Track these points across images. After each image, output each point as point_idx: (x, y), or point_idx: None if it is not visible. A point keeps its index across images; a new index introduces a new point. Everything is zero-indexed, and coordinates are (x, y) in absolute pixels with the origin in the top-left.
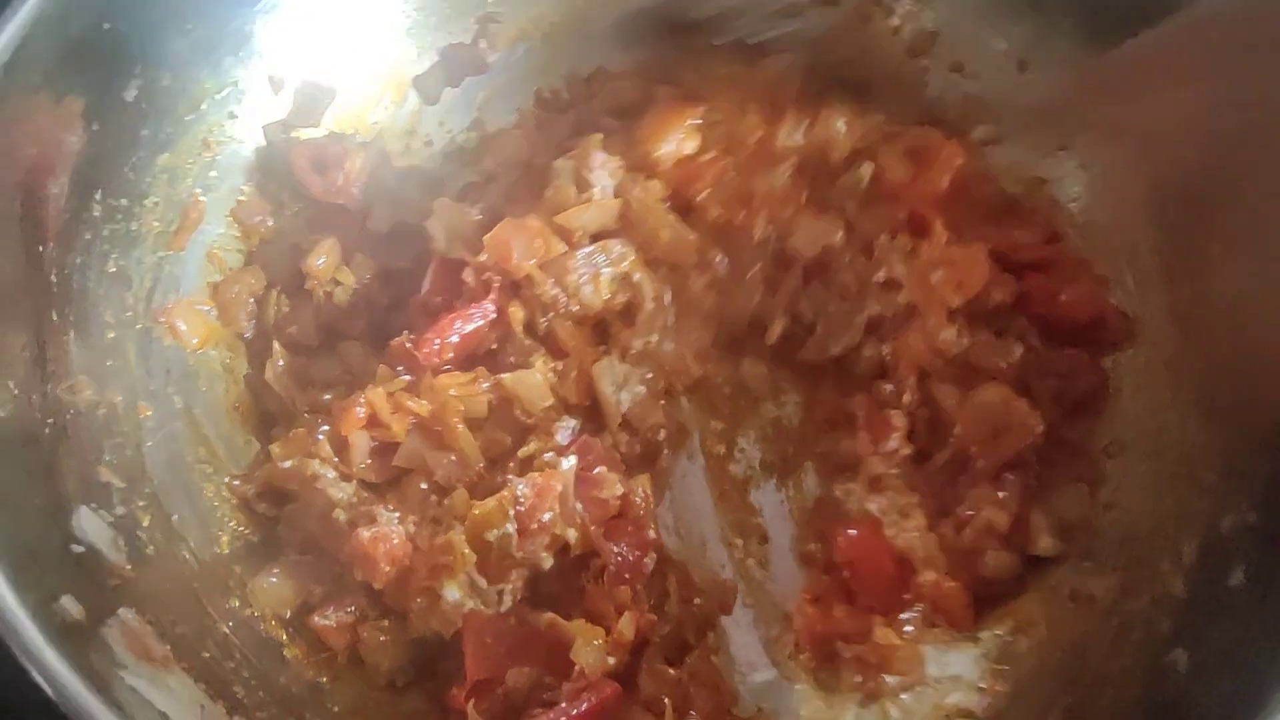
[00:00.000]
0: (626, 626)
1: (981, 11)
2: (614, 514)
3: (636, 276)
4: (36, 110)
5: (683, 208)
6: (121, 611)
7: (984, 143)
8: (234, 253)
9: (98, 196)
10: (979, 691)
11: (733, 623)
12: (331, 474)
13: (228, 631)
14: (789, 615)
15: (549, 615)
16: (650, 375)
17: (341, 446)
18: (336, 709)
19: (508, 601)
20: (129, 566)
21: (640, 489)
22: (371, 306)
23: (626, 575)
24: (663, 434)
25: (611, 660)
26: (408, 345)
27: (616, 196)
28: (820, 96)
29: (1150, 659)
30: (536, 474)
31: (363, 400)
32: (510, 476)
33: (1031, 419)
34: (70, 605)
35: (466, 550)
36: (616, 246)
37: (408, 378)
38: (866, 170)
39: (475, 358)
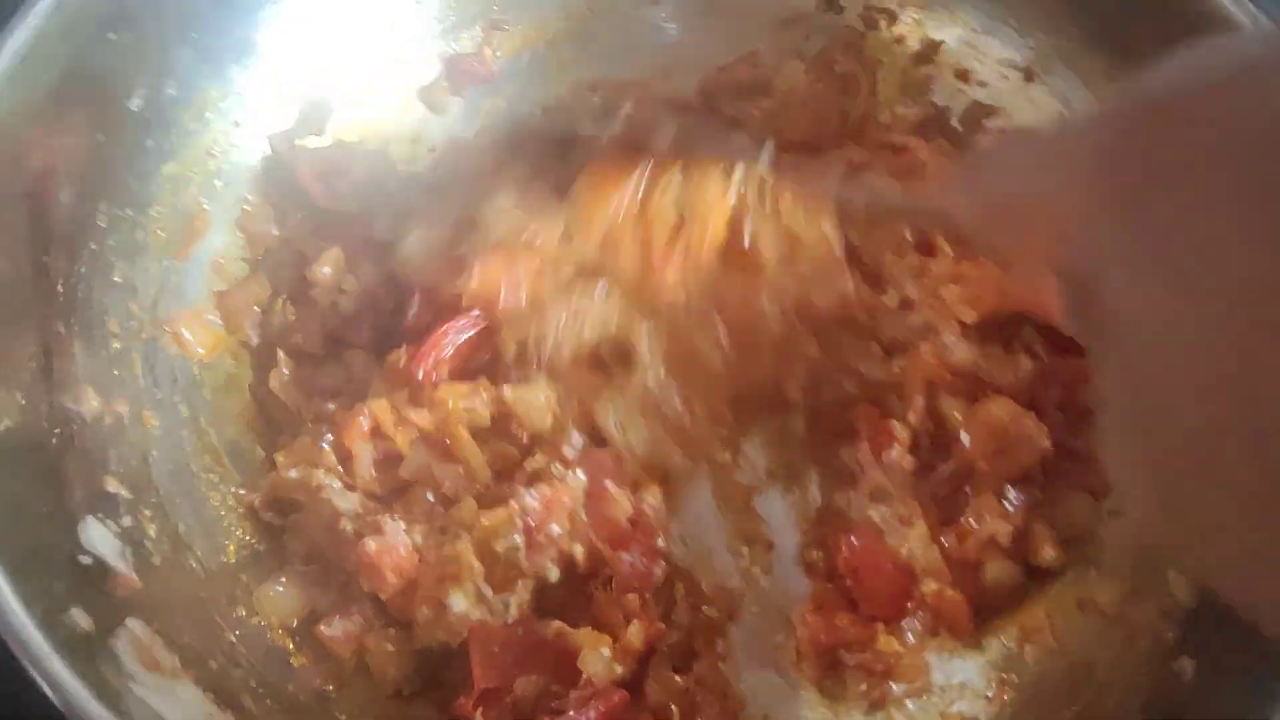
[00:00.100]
0: (635, 635)
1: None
2: (624, 533)
3: (623, 323)
4: (42, 121)
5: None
6: (130, 622)
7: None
8: (239, 262)
9: (103, 206)
10: (985, 699)
11: (739, 630)
12: (337, 484)
13: (235, 640)
14: (793, 622)
15: (556, 624)
16: (656, 424)
17: (346, 457)
18: (343, 717)
19: (514, 611)
20: (136, 577)
21: (650, 498)
22: (377, 313)
23: (636, 584)
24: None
25: (620, 669)
26: (403, 365)
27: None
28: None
29: (1157, 667)
30: (545, 486)
31: (366, 410)
32: (519, 487)
33: (1039, 434)
34: (80, 617)
35: (474, 562)
36: (602, 288)
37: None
38: None
39: (475, 369)
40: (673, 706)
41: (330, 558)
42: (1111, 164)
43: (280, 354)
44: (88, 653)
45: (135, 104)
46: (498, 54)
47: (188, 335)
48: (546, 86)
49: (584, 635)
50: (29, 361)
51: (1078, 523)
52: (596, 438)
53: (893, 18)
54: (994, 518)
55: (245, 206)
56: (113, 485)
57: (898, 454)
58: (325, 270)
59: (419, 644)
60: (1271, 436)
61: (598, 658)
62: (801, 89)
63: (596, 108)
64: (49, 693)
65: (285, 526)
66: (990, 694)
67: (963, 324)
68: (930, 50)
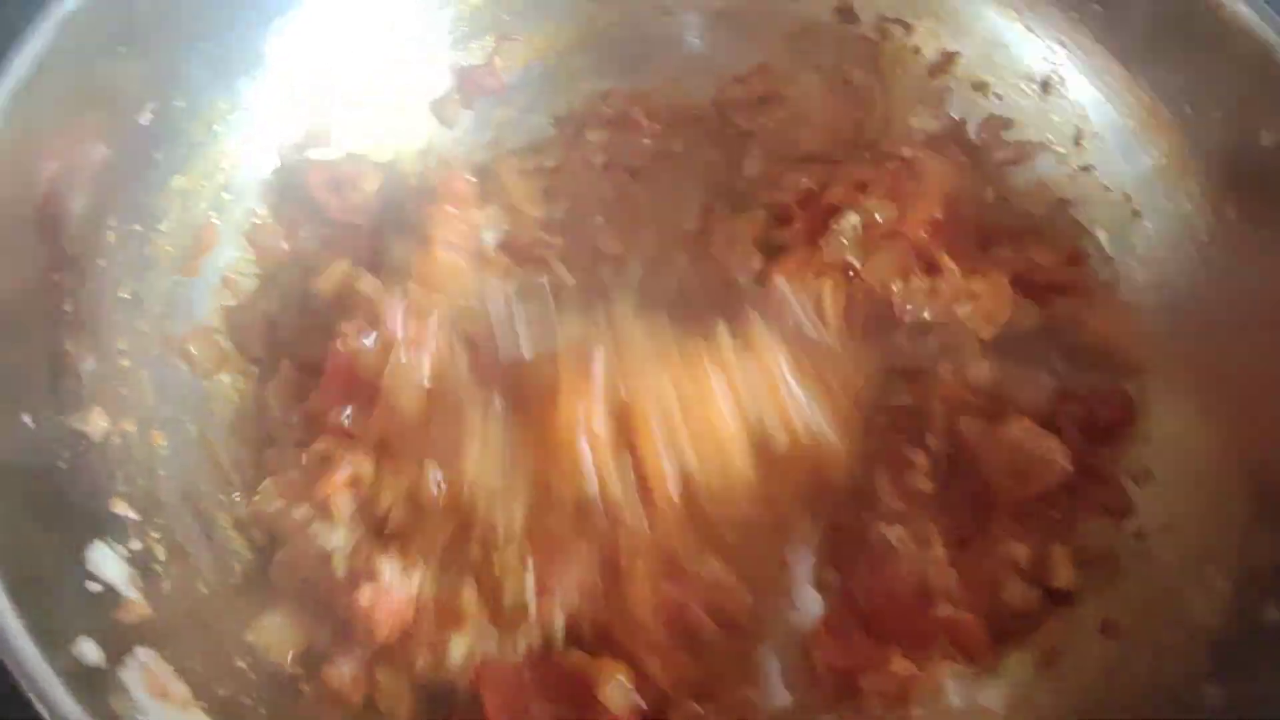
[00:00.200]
0: (659, 671)
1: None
2: None
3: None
4: (52, 135)
5: None
6: (139, 651)
7: (1004, 164)
8: (248, 276)
9: (112, 222)
10: None
11: (760, 652)
12: (323, 523)
13: (244, 667)
14: (808, 644)
15: (575, 654)
16: None
17: (324, 504)
18: None
19: (523, 647)
20: (146, 602)
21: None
22: None
23: None
24: None
25: (642, 703)
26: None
27: None
28: None
29: (1183, 693)
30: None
31: (348, 460)
32: None
33: (1060, 456)
34: (89, 649)
35: (477, 610)
36: None
37: None
38: (852, 220)
39: None
40: None
41: (322, 600)
42: None
43: (284, 364)
44: (99, 686)
45: (145, 118)
46: (508, 65)
47: (196, 352)
48: (557, 97)
49: (603, 665)
50: (38, 383)
51: (1098, 544)
52: None
53: (908, 28)
54: (1012, 539)
55: (254, 219)
56: (120, 507)
57: (916, 478)
58: (333, 283)
59: (423, 682)
60: None
61: (618, 687)
62: (815, 100)
63: None
64: None
65: (271, 564)
66: (1009, 717)
67: (982, 341)
68: (946, 61)
